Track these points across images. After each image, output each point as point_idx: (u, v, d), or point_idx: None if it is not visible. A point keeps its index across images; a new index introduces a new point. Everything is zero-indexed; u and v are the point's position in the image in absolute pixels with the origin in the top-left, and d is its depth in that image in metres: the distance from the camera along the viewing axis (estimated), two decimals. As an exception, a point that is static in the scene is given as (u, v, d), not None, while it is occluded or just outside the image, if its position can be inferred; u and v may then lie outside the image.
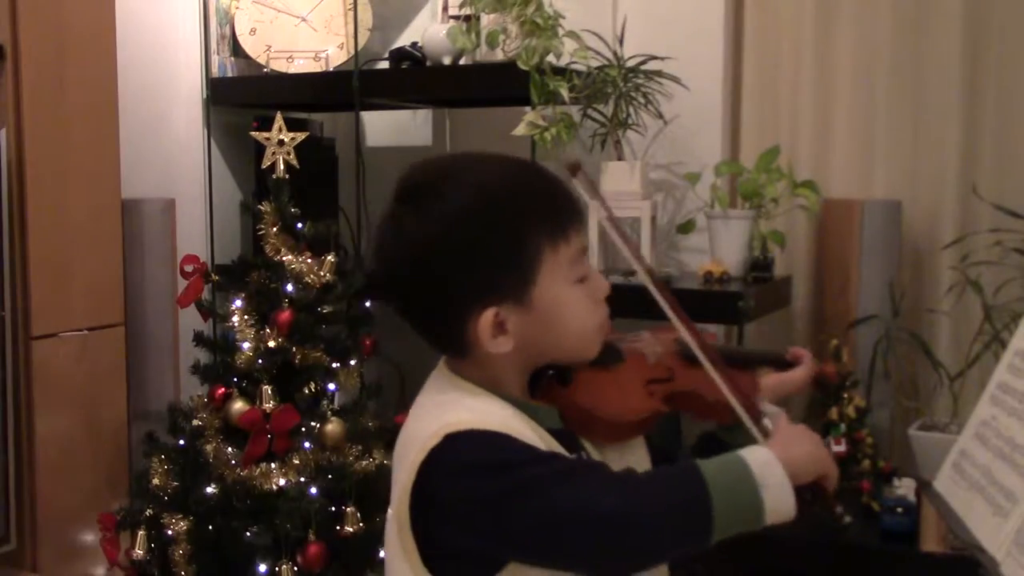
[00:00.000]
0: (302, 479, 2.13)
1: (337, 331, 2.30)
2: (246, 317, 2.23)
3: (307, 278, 2.23)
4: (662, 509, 1.02)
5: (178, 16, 2.79)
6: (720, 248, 2.48)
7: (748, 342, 2.38)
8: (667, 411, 1.19)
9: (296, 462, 2.15)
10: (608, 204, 1.16)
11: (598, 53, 2.54)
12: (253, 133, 2.32)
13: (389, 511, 1.10)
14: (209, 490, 2.17)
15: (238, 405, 2.17)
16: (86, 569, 2.37)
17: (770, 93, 2.73)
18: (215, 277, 2.36)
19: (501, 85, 2.49)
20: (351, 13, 2.80)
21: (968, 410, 1.47)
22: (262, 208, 2.24)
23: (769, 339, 2.63)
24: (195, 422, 2.21)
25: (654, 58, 2.52)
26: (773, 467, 1.04)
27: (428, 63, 2.62)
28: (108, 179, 2.43)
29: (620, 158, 2.53)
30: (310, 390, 2.25)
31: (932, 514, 2.04)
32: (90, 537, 2.36)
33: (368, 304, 2.34)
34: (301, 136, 2.27)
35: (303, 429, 2.19)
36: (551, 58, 2.40)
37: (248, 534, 2.13)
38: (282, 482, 2.13)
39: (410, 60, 2.66)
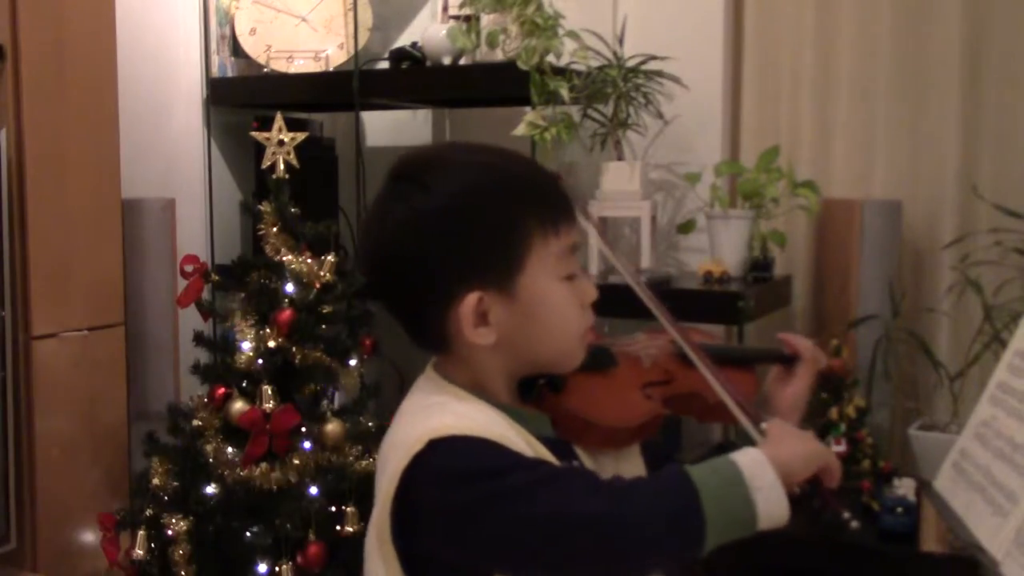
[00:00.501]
0: (302, 479, 2.14)
1: (337, 331, 2.30)
2: (246, 317, 2.23)
3: (307, 278, 2.23)
4: (651, 516, 0.98)
5: (178, 16, 2.79)
6: (720, 248, 2.48)
7: (748, 342, 2.38)
8: (667, 414, 1.16)
9: (296, 462, 2.15)
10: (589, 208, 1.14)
11: (598, 53, 2.54)
12: (253, 133, 2.32)
13: (371, 518, 1.06)
14: (209, 490, 2.17)
15: (238, 405, 2.17)
16: (86, 569, 2.37)
17: (770, 93, 2.73)
18: (215, 277, 2.36)
19: (501, 85, 2.49)
20: (351, 13, 2.80)
21: (968, 410, 1.47)
22: (262, 208, 2.24)
23: (769, 339, 2.62)
24: (195, 422, 2.21)
25: (654, 58, 2.52)
26: (763, 468, 1.00)
27: (428, 63, 2.62)
28: (108, 179, 2.43)
29: (620, 158, 2.53)
30: (310, 390, 2.25)
31: (932, 514, 2.04)
32: (90, 537, 2.36)
33: (368, 304, 2.34)
34: (301, 136, 2.27)
35: (303, 429, 2.19)
36: (551, 58, 2.40)
37: (248, 534, 2.13)
38: (282, 482, 2.13)
39: (410, 60, 2.66)
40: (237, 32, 2.86)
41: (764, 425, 1.12)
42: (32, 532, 2.28)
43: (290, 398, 2.20)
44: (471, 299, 1.05)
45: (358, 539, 2.15)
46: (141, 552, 2.19)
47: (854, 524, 1.10)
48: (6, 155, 2.20)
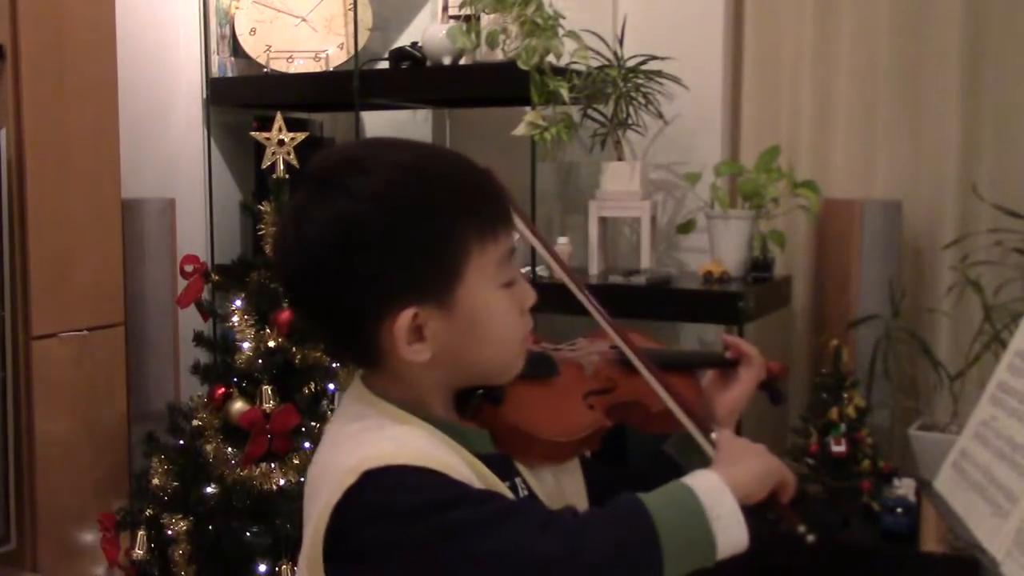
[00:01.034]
0: (302, 479, 2.13)
1: (337, 331, 2.30)
2: (246, 317, 2.23)
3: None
4: (606, 554, 0.91)
5: (178, 16, 2.79)
6: (720, 248, 2.48)
7: (748, 342, 2.37)
8: (610, 426, 1.09)
9: (296, 462, 2.15)
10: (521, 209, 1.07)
11: (598, 53, 2.54)
12: (253, 133, 2.32)
13: (301, 550, 0.97)
14: (209, 490, 2.17)
15: (238, 405, 2.17)
16: (86, 569, 2.37)
17: (770, 93, 2.73)
18: (215, 277, 2.36)
19: (501, 85, 2.49)
20: (351, 13, 2.80)
21: (968, 410, 1.46)
22: (262, 208, 2.25)
23: (769, 339, 2.63)
24: (195, 422, 2.21)
25: (654, 58, 2.52)
26: (722, 494, 0.95)
27: (428, 63, 2.62)
28: (108, 179, 2.44)
29: (620, 158, 2.53)
30: (310, 390, 2.25)
31: (932, 514, 2.04)
32: (90, 537, 2.36)
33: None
34: (301, 136, 2.27)
35: (303, 429, 2.19)
36: (551, 58, 2.40)
37: (248, 534, 2.13)
38: (282, 482, 2.13)
39: (410, 60, 2.66)
40: (237, 32, 2.86)
41: (714, 436, 1.07)
42: (32, 532, 2.28)
43: (290, 398, 2.21)
44: (405, 316, 0.96)
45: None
46: (141, 552, 2.19)
47: (810, 538, 1.05)
48: (6, 155, 2.20)
